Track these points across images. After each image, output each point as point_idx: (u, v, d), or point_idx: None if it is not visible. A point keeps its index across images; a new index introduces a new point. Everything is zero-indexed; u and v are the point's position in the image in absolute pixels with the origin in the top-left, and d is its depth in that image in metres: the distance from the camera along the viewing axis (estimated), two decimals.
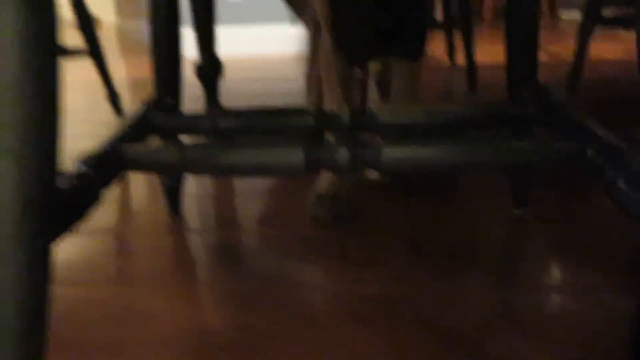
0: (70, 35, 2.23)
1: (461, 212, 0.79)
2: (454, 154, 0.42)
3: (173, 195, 0.78)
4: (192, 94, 1.24)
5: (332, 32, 0.74)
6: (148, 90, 1.84)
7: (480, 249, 0.68)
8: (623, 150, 0.41)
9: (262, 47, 2.65)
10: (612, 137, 0.43)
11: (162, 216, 0.80)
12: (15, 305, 0.29)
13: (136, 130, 0.55)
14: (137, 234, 0.76)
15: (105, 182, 0.42)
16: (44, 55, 0.28)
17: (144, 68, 2.37)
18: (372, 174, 0.91)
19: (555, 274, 0.62)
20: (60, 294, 0.61)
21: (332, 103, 0.79)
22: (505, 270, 0.63)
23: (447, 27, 1.78)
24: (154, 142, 0.60)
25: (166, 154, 0.44)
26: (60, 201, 0.35)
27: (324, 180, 0.78)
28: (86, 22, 1.27)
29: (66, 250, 0.71)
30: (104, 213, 0.83)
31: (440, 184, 0.89)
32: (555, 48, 2.38)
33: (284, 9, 2.57)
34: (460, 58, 2.15)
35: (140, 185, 0.96)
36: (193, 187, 0.92)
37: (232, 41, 2.59)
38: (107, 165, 0.43)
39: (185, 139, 0.62)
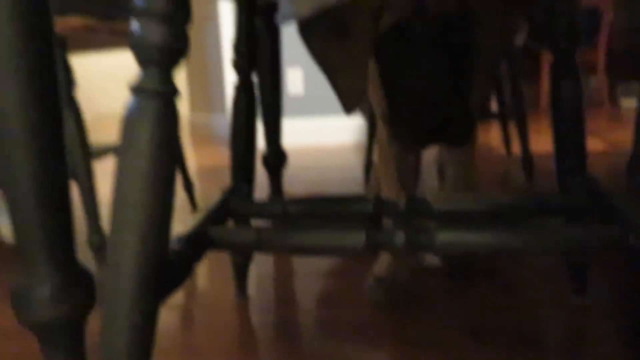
0: None
1: (520, 297, 0.79)
2: (502, 238, 0.46)
3: (241, 274, 0.84)
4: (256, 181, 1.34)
5: (387, 122, 0.82)
6: (217, 178, 1.99)
7: (539, 336, 0.68)
8: None
9: (322, 137, 2.81)
10: None
11: (227, 293, 0.86)
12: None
13: (217, 214, 0.63)
14: (203, 310, 0.82)
15: (197, 257, 0.49)
16: (168, 150, 0.36)
17: (213, 158, 2.56)
18: (432, 260, 0.93)
19: None
20: None
21: (388, 189, 0.85)
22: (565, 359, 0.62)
23: (502, 117, 1.84)
24: (230, 225, 0.68)
25: (246, 235, 0.51)
26: (165, 272, 0.42)
27: (383, 264, 0.82)
28: None
29: None
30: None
31: (499, 269, 0.90)
32: (615, 136, 2.37)
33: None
34: (517, 147, 2.18)
35: (208, 264, 1.03)
36: (257, 267, 0.99)
37: (294, 132, 2.78)
38: (198, 243, 0.51)
39: (254, 222, 0.69)
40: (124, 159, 0.35)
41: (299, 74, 2.80)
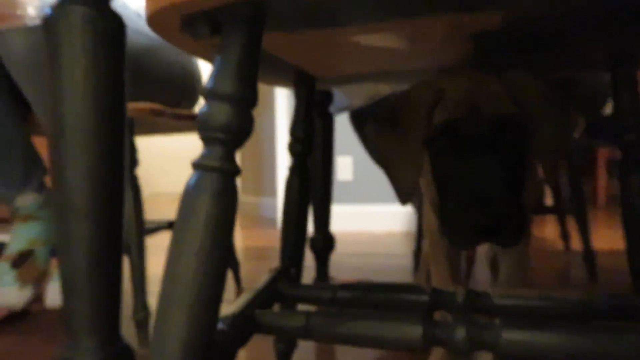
0: None
1: None
2: (578, 342, 0.42)
3: None
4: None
5: (437, 212, 0.80)
6: (262, 259, 1.98)
7: None
8: None
9: (371, 223, 2.79)
10: None
11: None
12: None
13: (265, 297, 0.61)
14: None
15: (242, 341, 0.47)
16: (225, 230, 0.36)
17: (259, 239, 2.58)
18: (486, 358, 0.86)
19: None
20: None
21: (439, 280, 0.81)
22: None
23: (560, 212, 1.77)
24: (275, 309, 0.66)
25: (295, 320, 0.49)
26: (211, 354, 0.40)
27: (435, 358, 0.76)
28: None
29: None
30: None
31: None
32: None
33: (391, 191, 2.75)
34: (574, 243, 2.07)
35: (248, 347, 0.99)
36: (300, 355, 0.94)
37: (343, 217, 2.78)
38: (243, 326, 0.49)
39: (301, 307, 0.67)
40: (180, 233, 0.35)
41: (349, 161, 2.85)
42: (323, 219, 1.28)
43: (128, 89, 1.07)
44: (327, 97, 1.25)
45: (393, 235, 2.58)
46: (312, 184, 1.27)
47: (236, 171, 0.38)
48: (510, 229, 0.54)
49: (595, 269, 1.46)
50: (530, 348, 0.44)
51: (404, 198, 0.67)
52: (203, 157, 0.37)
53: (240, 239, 2.61)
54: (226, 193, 0.36)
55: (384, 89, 1.17)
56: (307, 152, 0.80)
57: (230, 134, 0.37)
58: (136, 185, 1.17)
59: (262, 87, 3.51)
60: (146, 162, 6.09)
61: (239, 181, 4.57)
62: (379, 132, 0.68)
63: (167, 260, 0.35)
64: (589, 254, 1.47)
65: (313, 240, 1.27)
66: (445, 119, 0.61)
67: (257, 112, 3.72)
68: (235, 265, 1.52)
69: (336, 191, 2.83)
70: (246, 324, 0.50)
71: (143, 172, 6.08)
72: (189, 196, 0.36)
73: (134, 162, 1.21)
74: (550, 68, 0.74)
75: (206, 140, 0.37)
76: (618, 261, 1.73)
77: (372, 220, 2.80)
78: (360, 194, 2.84)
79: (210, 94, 0.37)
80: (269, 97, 3.40)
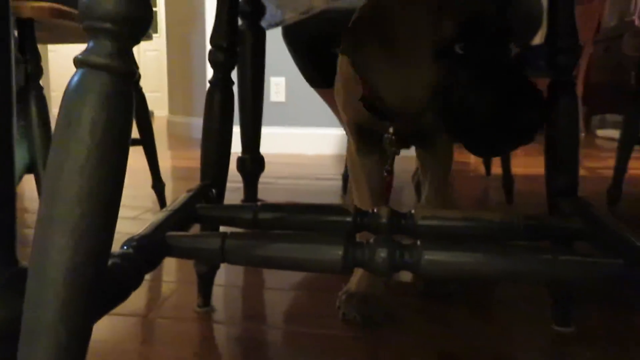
0: None
1: (498, 324, 0.75)
2: (495, 262, 0.42)
3: (205, 284, 0.78)
4: (228, 186, 1.28)
5: (355, 134, 0.78)
6: (191, 180, 1.92)
7: None
8: None
9: (303, 146, 2.77)
10: None
11: (191, 304, 0.79)
12: None
13: (180, 217, 0.57)
14: (164, 321, 0.75)
15: (149, 266, 0.43)
16: (116, 141, 0.30)
17: (189, 161, 2.49)
18: (405, 276, 0.89)
19: None
20: None
21: (360, 202, 0.80)
22: None
23: None
24: (195, 230, 0.62)
25: (208, 243, 0.45)
26: (106, 282, 0.36)
27: (357, 279, 0.77)
28: (144, 115, 1.37)
29: (93, 331, 0.71)
30: (134, 296, 0.83)
31: (476, 292, 0.86)
32: (591, 164, 2.39)
33: (323, 114, 2.72)
34: (495, 168, 2.17)
35: (172, 271, 0.97)
36: (223, 277, 0.92)
37: (275, 139, 2.72)
38: (151, 249, 0.45)
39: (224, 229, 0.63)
40: (61, 143, 0.29)
41: (282, 82, 2.76)
42: (252, 140, 1.23)
43: None
44: (258, 8, 1.15)
45: (324, 158, 2.58)
46: (242, 103, 1.20)
47: (131, 72, 0.32)
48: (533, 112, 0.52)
49: (512, 192, 1.54)
50: (450, 268, 0.44)
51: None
52: (87, 52, 0.30)
53: (168, 160, 2.51)
54: (118, 97, 0.30)
55: (317, 3, 1.09)
56: (230, 64, 0.73)
57: (122, 23, 0.30)
58: (40, 95, 1.05)
59: None
60: (62, 74, 5.57)
61: (165, 100, 4.32)
62: (358, 42, 0.62)
63: (46, 175, 0.30)
64: (507, 179, 1.54)
65: (241, 161, 1.22)
66: (460, 22, 0.55)
67: (185, 25, 3.45)
68: (160, 187, 1.45)
69: (268, 113, 2.75)
70: (155, 247, 0.46)
71: (58, 86, 5.59)
72: (71, 99, 0.30)
73: (38, 71, 1.08)
74: None
75: (91, 31, 0.30)
76: (534, 185, 1.84)
77: (304, 143, 2.78)
78: (292, 116, 2.78)
79: None
80: (199, 8, 3.14)
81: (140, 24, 0.31)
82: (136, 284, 0.41)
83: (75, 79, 0.30)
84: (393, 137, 0.68)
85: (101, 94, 0.29)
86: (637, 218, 1.40)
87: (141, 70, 1.39)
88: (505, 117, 0.51)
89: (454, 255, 0.42)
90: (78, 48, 0.36)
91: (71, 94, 0.30)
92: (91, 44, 0.31)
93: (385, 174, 0.72)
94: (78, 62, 0.30)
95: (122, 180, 0.32)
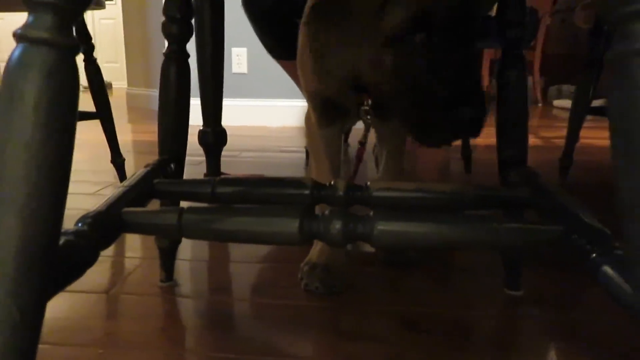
0: (81, 98, 2.32)
1: (455, 290, 0.79)
2: (444, 231, 0.44)
3: (167, 258, 0.78)
4: (191, 160, 1.27)
5: (314, 106, 0.79)
6: (153, 155, 1.88)
7: (474, 329, 0.67)
8: (608, 235, 0.42)
9: (266, 118, 2.74)
10: (597, 222, 0.45)
11: (154, 279, 0.79)
12: None
13: (137, 193, 0.57)
14: (128, 296, 0.75)
15: (105, 242, 0.43)
16: (62, 117, 0.30)
17: (150, 133, 2.43)
18: (368, 247, 0.91)
19: (549, 358, 0.61)
20: (48, 354, 0.59)
21: (318, 174, 0.81)
22: (499, 353, 0.62)
23: None
24: (154, 206, 0.62)
25: (165, 218, 0.46)
26: (59, 259, 0.36)
27: (318, 250, 0.79)
28: (100, 87, 1.33)
29: (55, 309, 0.70)
30: (96, 273, 0.83)
31: (435, 260, 0.89)
32: (547, 133, 2.47)
33: (286, 86, 2.69)
34: None
35: (134, 247, 0.96)
36: (188, 251, 0.92)
37: (237, 111, 2.69)
38: (107, 226, 0.44)
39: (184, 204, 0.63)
40: (4, 120, 0.29)
41: (243, 53, 2.70)
42: (214, 113, 1.21)
43: None
44: None
45: (287, 130, 2.57)
46: (202, 74, 1.17)
47: (74, 45, 0.31)
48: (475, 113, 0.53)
49: (471, 162, 1.59)
50: (401, 238, 0.45)
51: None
52: (27, 26, 0.29)
53: (128, 133, 2.44)
54: (61, 73, 0.30)
55: None
56: (185, 36, 0.72)
57: None
58: None
59: None
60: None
61: (124, 71, 4.17)
62: (316, 18, 0.61)
63: None
64: (466, 149, 1.58)
65: (202, 134, 1.21)
66: (413, 11, 0.55)
67: None
68: (119, 161, 1.42)
69: (230, 84, 2.70)
70: (111, 224, 0.46)
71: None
72: (13, 75, 0.29)
73: None
74: None
75: (30, 4, 0.29)
76: (494, 155, 1.89)
77: (267, 115, 2.75)
78: (255, 88, 2.74)
79: None
80: None
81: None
82: (92, 261, 0.41)
83: (16, 54, 0.29)
84: (369, 109, 0.69)
85: (43, 69, 0.29)
86: (587, 185, 1.47)
87: (97, 40, 1.33)
88: (451, 107, 0.52)
89: (405, 225, 0.44)
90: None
91: (13, 70, 0.29)
92: (31, 17, 0.30)
93: (359, 146, 0.72)
94: (18, 36, 0.29)
95: (70, 156, 0.31)
